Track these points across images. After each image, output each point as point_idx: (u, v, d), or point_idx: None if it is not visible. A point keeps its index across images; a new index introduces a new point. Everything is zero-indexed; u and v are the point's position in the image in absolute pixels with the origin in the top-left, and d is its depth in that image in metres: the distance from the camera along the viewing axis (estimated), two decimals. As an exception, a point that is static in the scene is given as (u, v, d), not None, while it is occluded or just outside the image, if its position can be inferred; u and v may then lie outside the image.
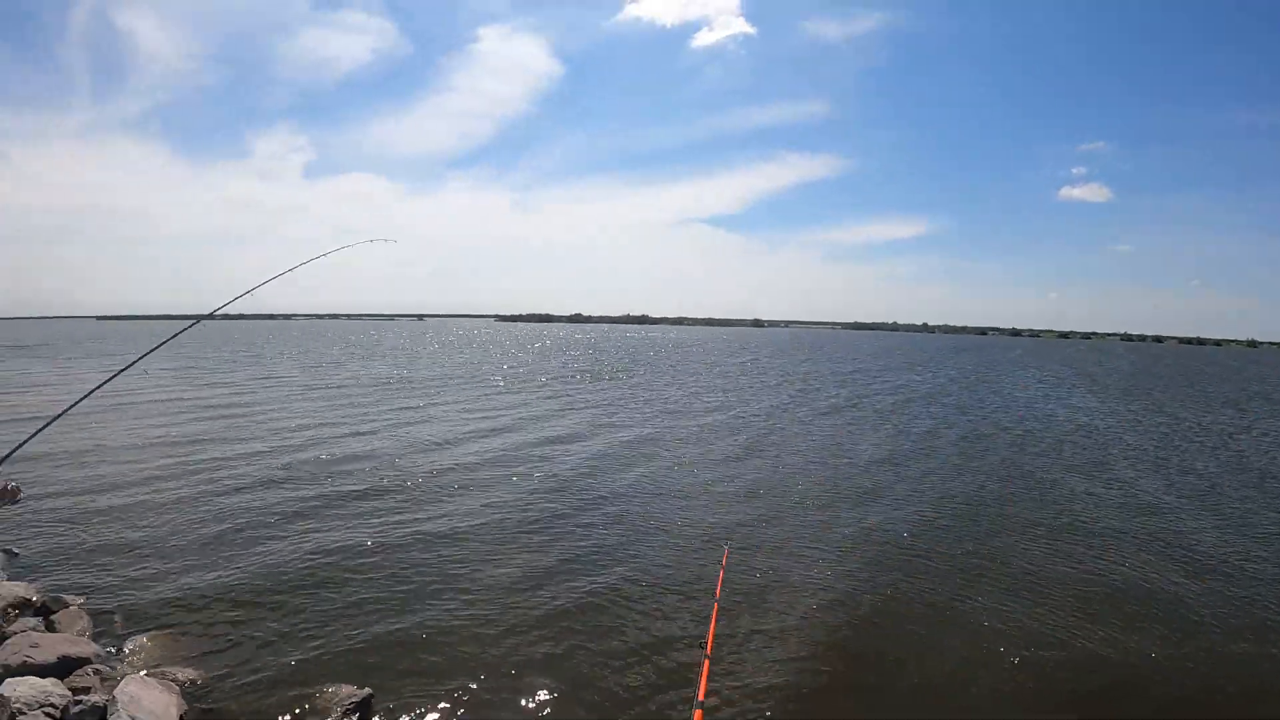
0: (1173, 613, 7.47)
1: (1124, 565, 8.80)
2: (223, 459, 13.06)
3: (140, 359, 5.97)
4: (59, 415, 4.53)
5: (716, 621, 4.48)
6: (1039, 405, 26.43)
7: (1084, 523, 10.61)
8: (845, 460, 14.74)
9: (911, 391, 30.18)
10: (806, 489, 12.09)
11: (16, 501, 3.64)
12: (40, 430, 4.39)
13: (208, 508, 10.06)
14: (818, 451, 15.63)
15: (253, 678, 5.63)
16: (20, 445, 3.99)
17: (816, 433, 18.33)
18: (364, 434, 16.23)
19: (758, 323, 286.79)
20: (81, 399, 4.84)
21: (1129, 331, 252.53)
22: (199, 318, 6.93)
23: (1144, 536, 9.98)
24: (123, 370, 5.60)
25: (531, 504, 10.78)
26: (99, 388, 5.10)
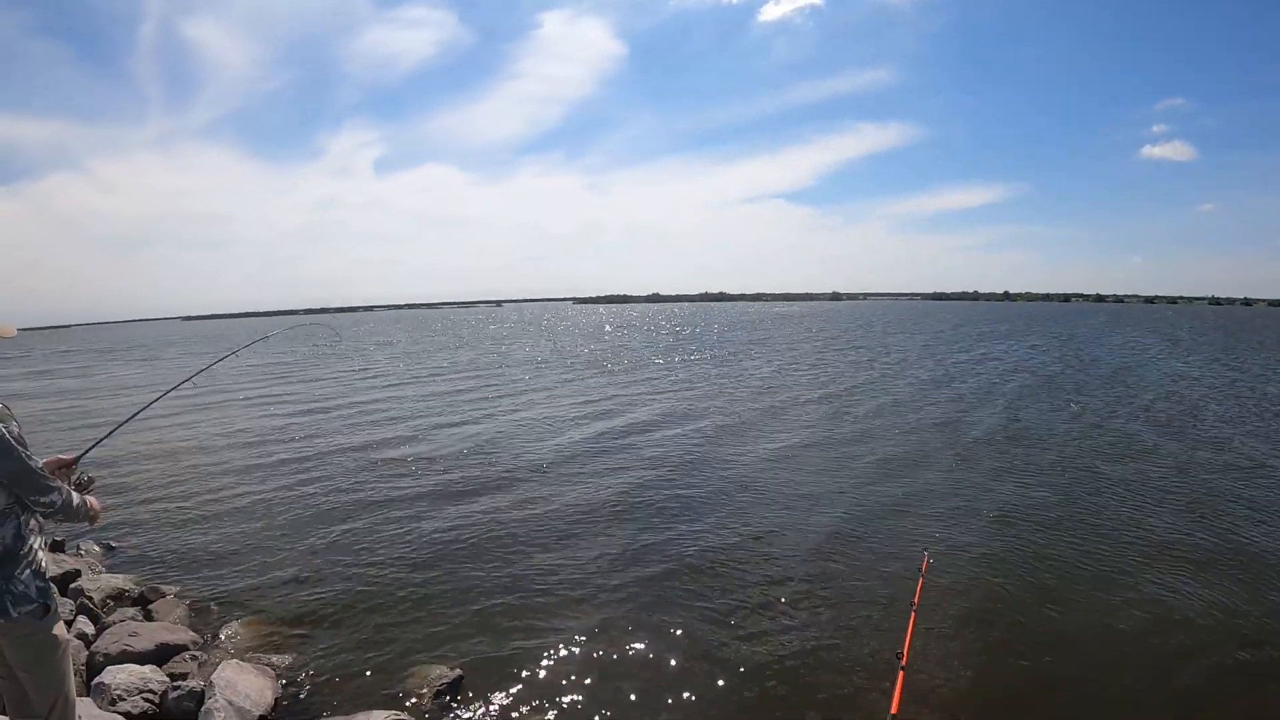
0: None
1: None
2: (311, 450, 13.25)
3: (216, 362, 5.94)
4: (137, 412, 4.54)
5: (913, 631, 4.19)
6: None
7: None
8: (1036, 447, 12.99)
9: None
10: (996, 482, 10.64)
11: (93, 491, 3.62)
12: (122, 424, 4.37)
13: (297, 497, 10.19)
14: (992, 438, 13.89)
15: (345, 660, 5.59)
16: (101, 440, 4.00)
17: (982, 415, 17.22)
18: (461, 422, 16.09)
19: (836, 296, 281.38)
20: (158, 399, 4.83)
21: (1216, 295, 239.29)
22: (268, 336, 6.97)
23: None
24: (196, 374, 5.59)
25: (660, 489, 10.41)
26: (175, 388, 5.12)
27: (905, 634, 4.10)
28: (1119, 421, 14.90)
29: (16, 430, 3.04)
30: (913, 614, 4.45)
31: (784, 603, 6.58)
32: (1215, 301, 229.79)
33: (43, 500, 3.08)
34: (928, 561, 5.50)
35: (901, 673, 3.59)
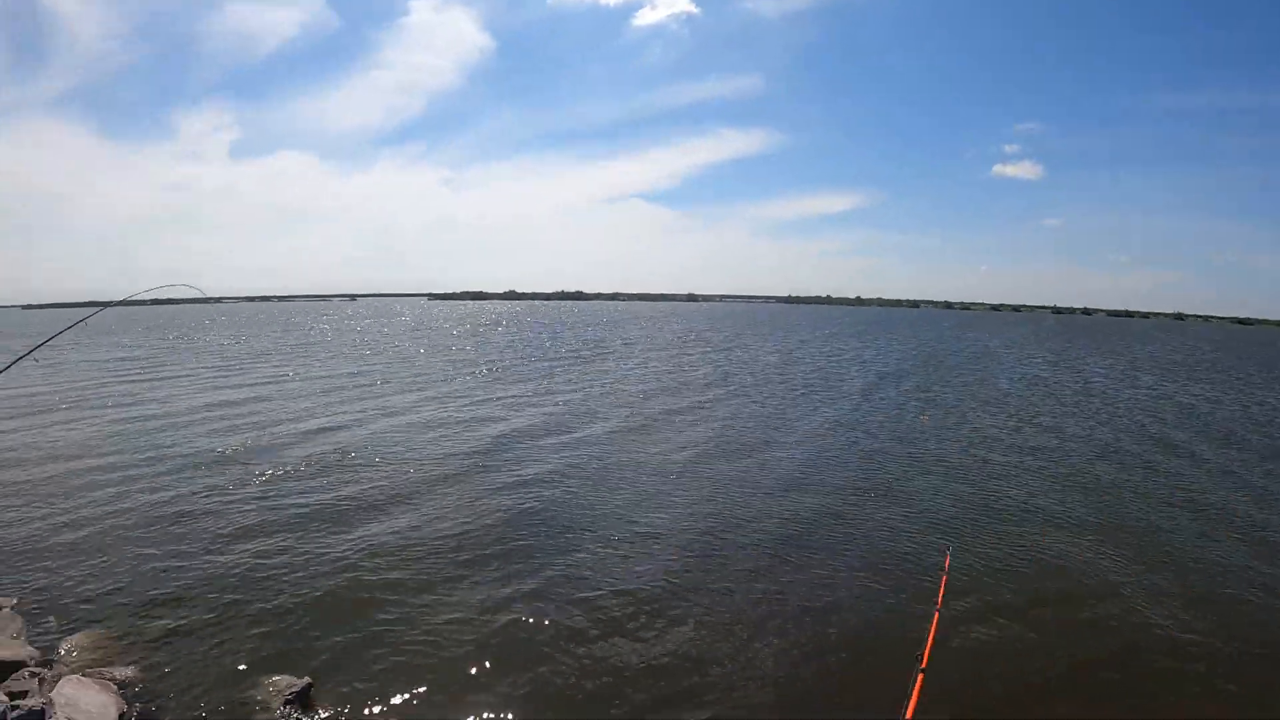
0: None
1: None
2: (154, 457, 12.79)
3: (33, 350, 5.77)
4: None
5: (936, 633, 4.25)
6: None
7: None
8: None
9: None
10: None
11: None
12: None
13: (138, 506, 9.92)
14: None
15: (191, 673, 5.73)
16: None
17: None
18: (318, 428, 15.71)
19: (692, 297, 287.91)
20: None
21: (1059, 304, 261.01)
22: (103, 305, 6.76)
23: None
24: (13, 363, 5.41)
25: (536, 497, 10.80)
26: None
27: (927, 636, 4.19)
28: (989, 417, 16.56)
29: None
30: (936, 614, 4.53)
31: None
32: (1057, 310, 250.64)
33: None
34: (950, 560, 6.12)
35: (921, 675, 3.67)
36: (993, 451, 13.97)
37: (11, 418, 16.18)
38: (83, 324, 6.00)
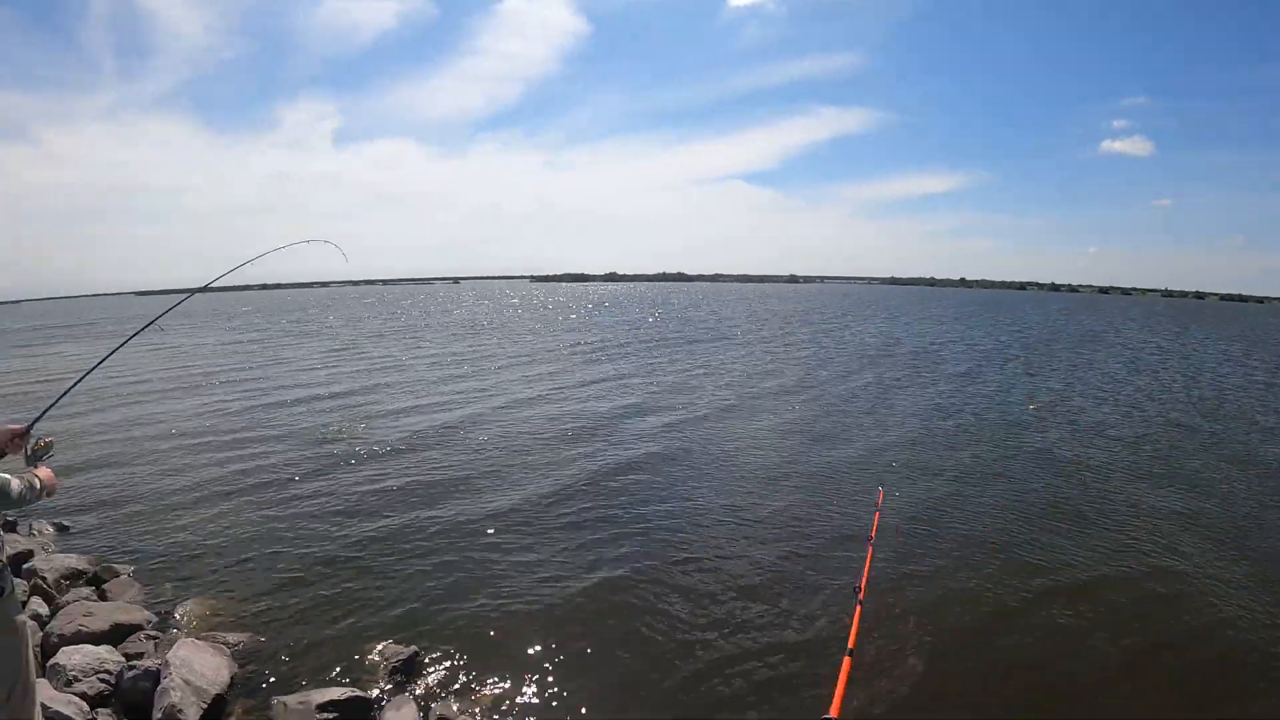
0: None
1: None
2: (271, 431, 13.12)
3: (139, 332, 5.72)
4: (82, 377, 4.41)
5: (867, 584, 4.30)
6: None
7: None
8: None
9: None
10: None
11: (51, 455, 3.58)
12: (69, 390, 4.26)
13: (255, 476, 10.13)
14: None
15: (300, 638, 5.69)
16: (51, 406, 3.93)
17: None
18: (427, 406, 15.68)
19: (793, 278, 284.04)
20: (97, 365, 4.69)
21: (1169, 287, 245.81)
22: (192, 291, 6.78)
23: None
24: (124, 343, 5.36)
25: (637, 472, 10.53)
26: (111, 354, 4.93)
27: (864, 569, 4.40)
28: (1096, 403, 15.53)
29: None
30: (870, 549, 4.75)
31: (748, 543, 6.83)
32: (1168, 294, 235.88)
33: None
34: (882, 496, 6.24)
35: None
36: (1095, 442, 12.86)
37: (130, 395, 16.97)
38: (174, 308, 6.01)
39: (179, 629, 5.78)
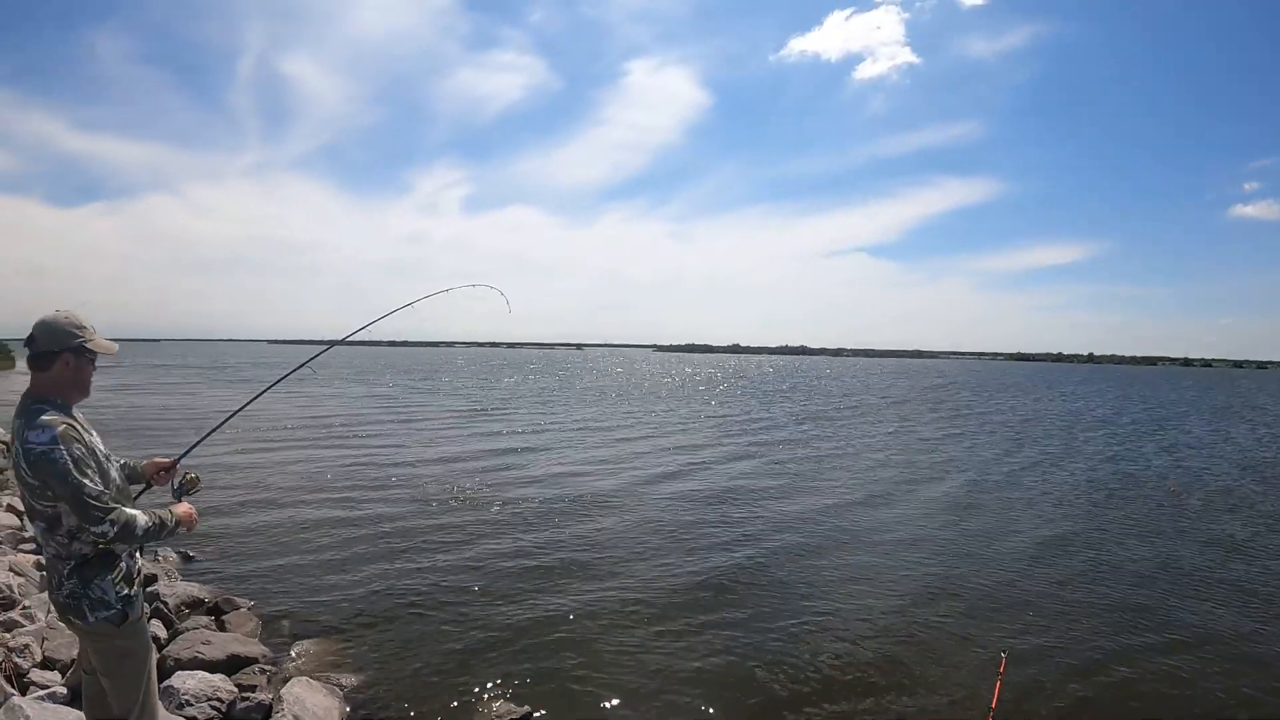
0: None
1: None
2: (400, 484, 13.24)
3: (279, 381, 5.76)
4: (230, 416, 4.49)
5: None
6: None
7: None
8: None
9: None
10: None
11: (197, 490, 3.53)
12: (217, 428, 4.36)
13: (381, 524, 10.11)
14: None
15: (413, 689, 5.34)
16: (197, 443, 3.98)
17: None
18: (565, 475, 15.03)
19: (918, 353, 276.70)
20: (249, 402, 4.76)
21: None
22: (332, 343, 6.89)
23: None
24: (269, 388, 5.36)
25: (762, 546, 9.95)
26: (257, 398, 4.95)
27: None
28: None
29: (79, 453, 2.84)
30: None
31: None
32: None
33: (93, 531, 2.83)
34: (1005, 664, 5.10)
35: None
36: (1233, 521, 11.23)
37: (268, 439, 17.73)
38: (310, 361, 6.10)
39: (293, 666, 5.57)
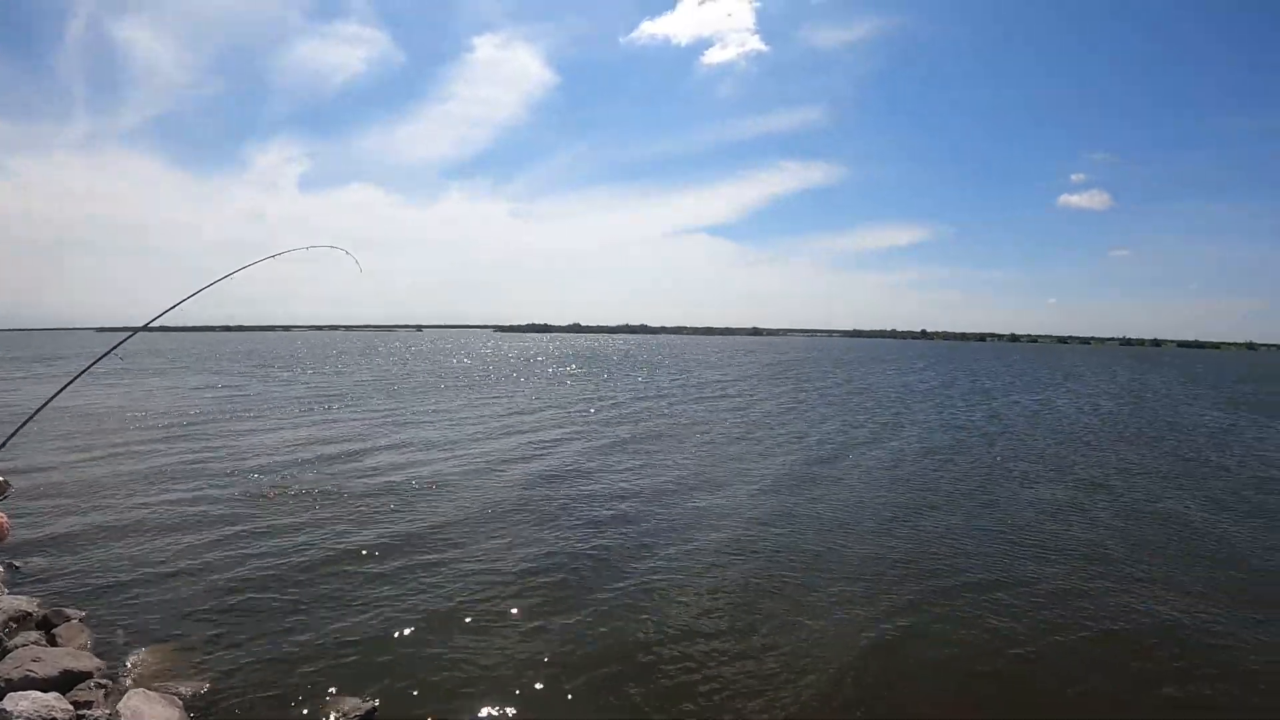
0: None
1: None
2: (221, 471, 12.99)
3: (82, 373, 5.64)
4: (29, 419, 4.40)
5: None
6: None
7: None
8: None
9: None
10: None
11: (7, 495, 3.51)
12: (17, 430, 4.25)
13: (210, 523, 9.98)
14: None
15: (256, 690, 5.58)
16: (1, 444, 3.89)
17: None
18: (397, 462, 15.48)
19: (756, 331, 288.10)
20: (46, 403, 4.64)
21: (1128, 336, 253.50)
22: (134, 330, 6.70)
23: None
24: (71, 382, 5.25)
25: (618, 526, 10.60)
26: (60, 392, 4.87)
27: None
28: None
29: None
30: None
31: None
32: (1126, 342, 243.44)
33: None
34: None
35: None
36: (1053, 485, 13.14)
37: (89, 436, 16.67)
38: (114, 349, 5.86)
39: (130, 678, 5.65)
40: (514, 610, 7.28)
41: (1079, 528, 10.61)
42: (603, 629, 6.88)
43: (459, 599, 7.51)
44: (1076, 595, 8.00)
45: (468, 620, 6.99)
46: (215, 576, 7.93)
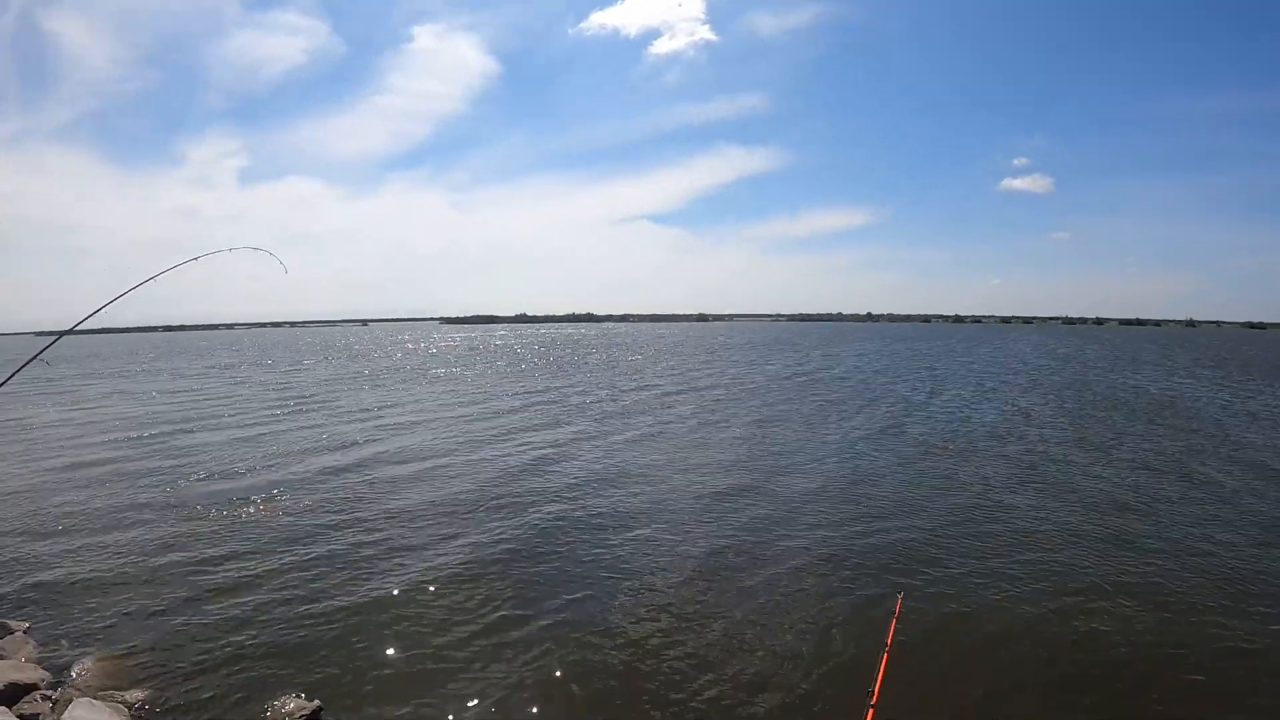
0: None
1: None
2: (168, 479, 12.89)
3: (10, 378, 5.62)
4: None
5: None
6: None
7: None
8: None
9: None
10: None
11: None
12: None
13: (150, 528, 9.98)
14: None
15: (202, 697, 5.73)
16: None
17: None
18: (342, 463, 15.69)
19: (702, 317, 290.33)
20: None
21: (1069, 315, 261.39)
22: (60, 333, 6.67)
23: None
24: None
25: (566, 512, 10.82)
26: None
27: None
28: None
29: None
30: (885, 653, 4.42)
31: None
32: (1068, 321, 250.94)
33: None
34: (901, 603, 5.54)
35: (871, 710, 3.71)
36: (998, 467, 13.78)
37: (27, 444, 16.34)
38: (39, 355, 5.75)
39: (76, 688, 5.74)
40: (465, 606, 7.51)
41: (1032, 501, 11.21)
42: (554, 622, 7.13)
43: (405, 597, 7.71)
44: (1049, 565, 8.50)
45: (412, 617, 7.21)
46: (159, 583, 8.01)
